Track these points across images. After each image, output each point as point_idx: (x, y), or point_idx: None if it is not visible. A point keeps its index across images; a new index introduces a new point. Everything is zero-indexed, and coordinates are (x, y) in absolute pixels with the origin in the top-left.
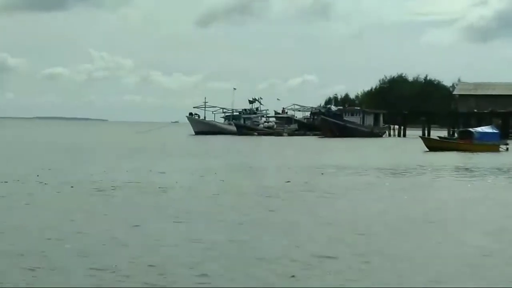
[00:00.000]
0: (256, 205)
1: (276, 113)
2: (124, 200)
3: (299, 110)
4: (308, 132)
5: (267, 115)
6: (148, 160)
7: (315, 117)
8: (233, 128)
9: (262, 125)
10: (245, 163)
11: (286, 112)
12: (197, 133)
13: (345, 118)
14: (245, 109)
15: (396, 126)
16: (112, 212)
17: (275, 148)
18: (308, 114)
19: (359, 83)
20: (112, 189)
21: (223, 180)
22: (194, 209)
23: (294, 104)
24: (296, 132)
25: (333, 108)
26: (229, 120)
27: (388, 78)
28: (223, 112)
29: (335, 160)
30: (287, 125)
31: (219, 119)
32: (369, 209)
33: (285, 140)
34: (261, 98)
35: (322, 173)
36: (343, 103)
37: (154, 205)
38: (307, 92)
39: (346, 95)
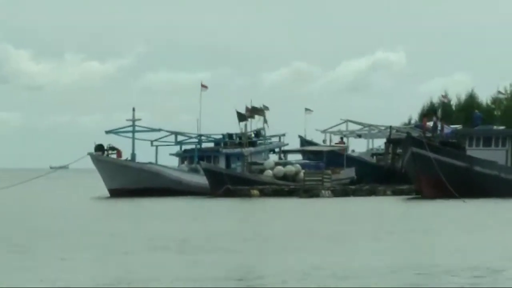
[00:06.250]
0: None
1: (304, 142)
2: None
3: (359, 136)
4: (379, 187)
5: (283, 148)
6: None
7: (398, 150)
8: (200, 178)
9: (269, 171)
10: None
11: (331, 141)
12: (115, 192)
13: (469, 152)
14: (230, 135)
15: None
16: None
17: (301, 232)
18: (380, 144)
19: (500, 68)
20: None
21: None
22: None
23: (346, 121)
24: (353, 186)
25: (440, 125)
26: (190, 161)
27: None
28: (178, 143)
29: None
30: (330, 170)
31: (169, 159)
32: None
33: (325, 207)
34: (266, 108)
35: None
36: (464, 118)
37: None
38: (379, 89)
39: (471, 97)
